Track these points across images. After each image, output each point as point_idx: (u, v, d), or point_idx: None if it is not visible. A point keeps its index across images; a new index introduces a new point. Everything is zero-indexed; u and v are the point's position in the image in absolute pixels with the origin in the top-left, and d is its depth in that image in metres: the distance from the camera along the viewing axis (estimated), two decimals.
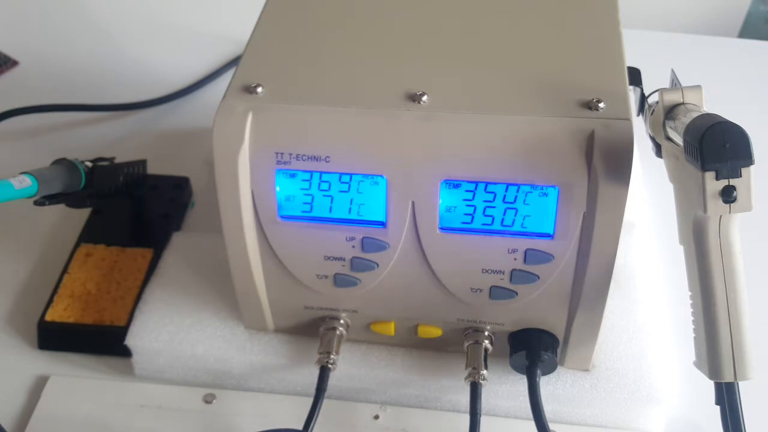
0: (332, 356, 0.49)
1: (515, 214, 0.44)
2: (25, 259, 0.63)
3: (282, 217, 0.46)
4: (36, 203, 0.50)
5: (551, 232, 0.44)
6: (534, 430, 0.46)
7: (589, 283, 0.45)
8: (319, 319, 0.52)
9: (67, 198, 0.54)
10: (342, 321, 0.51)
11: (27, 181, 0.48)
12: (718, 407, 0.42)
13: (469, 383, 0.48)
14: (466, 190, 0.44)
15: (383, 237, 0.45)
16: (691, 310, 0.42)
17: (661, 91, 0.43)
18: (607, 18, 0.49)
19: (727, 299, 0.40)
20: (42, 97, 0.75)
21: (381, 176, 0.44)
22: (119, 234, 0.62)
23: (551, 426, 0.46)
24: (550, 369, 0.49)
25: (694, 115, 0.39)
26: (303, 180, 0.45)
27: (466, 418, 0.47)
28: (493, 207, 0.44)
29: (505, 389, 0.51)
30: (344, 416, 0.52)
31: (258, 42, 0.49)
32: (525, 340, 0.49)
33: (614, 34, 0.48)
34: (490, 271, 0.46)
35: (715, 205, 0.37)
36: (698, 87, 0.42)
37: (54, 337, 0.57)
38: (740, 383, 0.41)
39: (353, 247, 0.46)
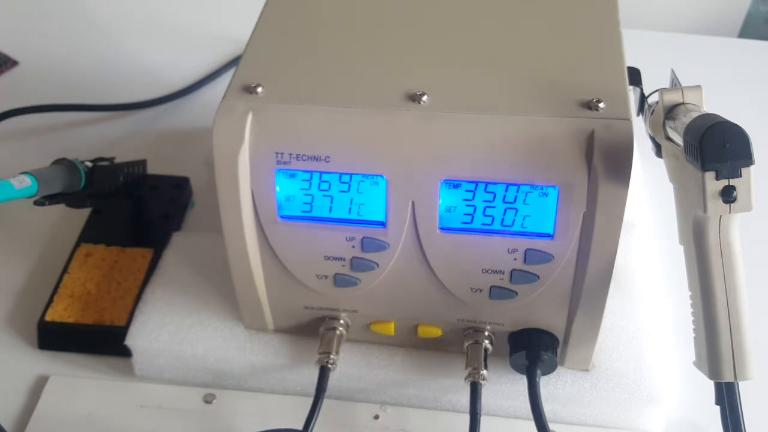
0: (332, 356, 0.49)
1: (515, 214, 0.44)
2: (25, 259, 0.63)
3: (282, 217, 0.46)
4: (36, 203, 0.50)
5: (551, 232, 0.44)
6: (534, 430, 0.46)
7: (589, 283, 0.45)
8: (319, 319, 0.52)
9: (67, 198, 0.54)
10: (342, 321, 0.51)
11: (27, 181, 0.48)
12: (718, 407, 0.42)
13: (469, 383, 0.48)
14: (466, 190, 0.44)
15: (383, 237, 0.45)
16: (691, 310, 0.42)
17: (661, 91, 0.43)
18: (607, 18, 0.49)
19: (727, 299, 0.40)
20: (42, 97, 0.75)
21: (381, 176, 0.44)
22: (119, 234, 0.62)
23: (551, 426, 0.46)
24: (550, 369, 0.49)
25: (694, 115, 0.39)
26: (303, 180, 0.45)
27: (466, 418, 0.47)
28: (493, 207, 0.44)
29: (505, 389, 0.51)
30: (344, 416, 0.52)
31: (258, 42, 0.49)
32: (525, 340, 0.49)
33: (614, 34, 0.48)
34: (490, 271, 0.46)
35: (715, 205, 0.37)
36: (698, 87, 0.42)
37: (54, 337, 0.56)
38: (740, 383, 0.41)
39: (353, 247, 0.46)
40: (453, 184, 0.43)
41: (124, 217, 0.64)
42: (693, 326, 0.42)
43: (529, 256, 0.45)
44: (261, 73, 0.46)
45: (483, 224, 0.44)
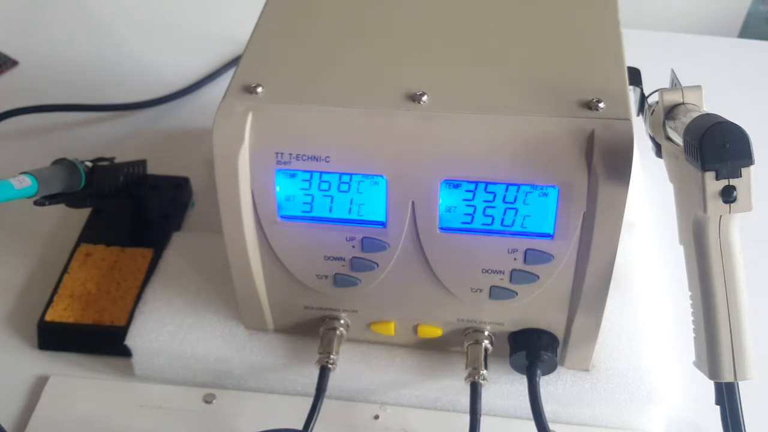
0: (332, 356, 0.49)
1: (515, 214, 0.44)
2: (25, 259, 0.63)
3: (282, 217, 0.46)
4: (36, 203, 0.50)
5: (551, 232, 0.44)
6: (534, 430, 0.46)
7: (589, 283, 0.45)
8: (319, 319, 0.52)
9: (67, 198, 0.54)
10: (342, 321, 0.51)
11: (27, 181, 0.48)
12: (718, 407, 0.42)
13: (469, 383, 0.48)
14: (466, 190, 0.44)
15: (383, 237, 0.45)
16: (691, 310, 0.42)
17: (661, 91, 0.43)
18: (607, 18, 0.49)
19: (727, 299, 0.40)
20: (42, 97, 0.75)
21: (381, 176, 0.44)
22: (119, 234, 0.62)
23: (551, 426, 0.46)
24: (550, 369, 0.49)
25: (694, 115, 0.39)
26: (303, 180, 0.45)
27: (466, 418, 0.47)
28: (493, 207, 0.44)
29: (505, 389, 0.51)
30: (344, 416, 0.52)
31: (258, 42, 0.49)
32: (525, 340, 0.49)
33: (614, 34, 0.48)
34: (490, 271, 0.46)
35: (715, 205, 0.37)
36: (698, 87, 0.42)
37: (54, 337, 0.56)
38: (740, 383, 0.41)
39: (353, 247, 0.46)
40: (453, 184, 0.43)
41: (124, 217, 0.64)
42: (693, 326, 0.42)
43: (529, 256, 0.45)
44: (261, 73, 0.46)
45: (483, 224, 0.44)
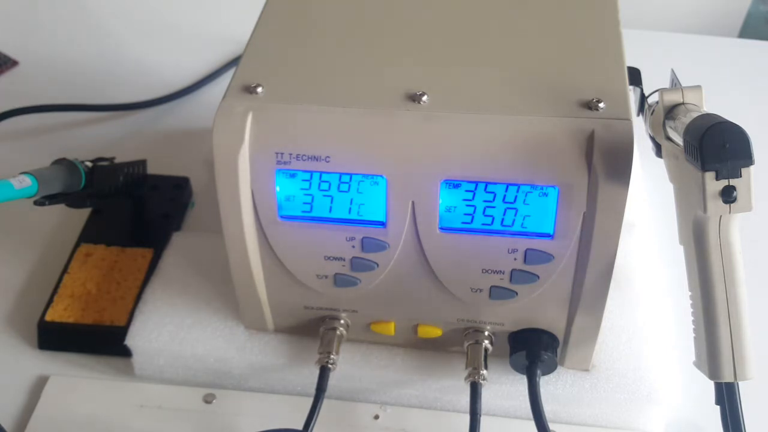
0: (332, 356, 0.49)
1: (515, 214, 0.44)
2: (25, 259, 0.63)
3: (282, 217, 0.46)
4: (36, 203, 0.50)
5: (551, 232, 0.44)
6: (534, 430, 0.46)
7: (589, 283, 0.45)
8: (319, 319, 0.52)
9: (67, 198, 0.54)
10: (342, 321, 0.51)
11: (27, 181, 0.48)
12: (718, 407, 0.42)
13: (469, 383, 0.48)
14: (466, 190, 0.44)
15: (383, 237, 0.45)
16: (691, 310, 0.42)
17: (661, 91, 0.43)
18: (607, 18, 0.49)
19: (727, 299, 0.40)
20: (42, 97, 0.75)
21: (381, 176, 0.44)
22: (119, 234, 0.62)
23: (551, 426, 0.46)
24: (550, 369, 0.49)
25: (694, 115, 0.39)
26: (303, 180, 0.45)
27: (466, 418, 0.47)
28: (493, 207, 0.44)
29: (505, 389, 0.51)
30: (344, 416, 0.52)
31: (258, 42, 0.49)
32: (525, 340, 0.49)
33: (614, 34, 0.48)
34: (490, 271, 0.46)
35: (715, 205, 0.37)
36: (698, 87, 0.42)
37: (54, 337, 0.56)
38: (740, 383, 0.41)
39: (353, 247, 0.46)
40: (453, 184, 0.43)
41: (124, 217, 0.64)
42: (693, 326, 0.42)
43: (529, 256, 0.45)
44: (261, 73, 0.46)
45: (483, 224, 0.44)
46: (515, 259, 0.45)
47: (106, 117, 0.77)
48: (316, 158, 0.44)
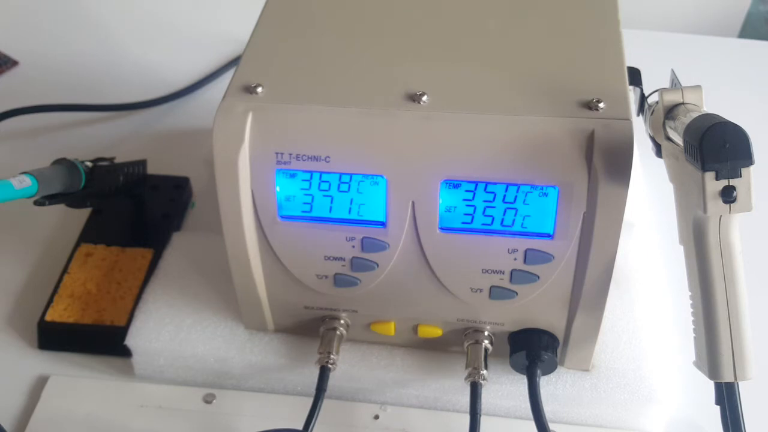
0: (332, 356, 0.49)
1: (515, 214, 0.44)
2: (25, 259, 0.63)
3: (282, 217, 0.46)
4: (36, 203, 0.50)
5: (551, 232, 0.44)
6: (534, 430, 0.46)
7: (589, 283, 0.45)
8: (319, 319, 0.52)
9: (67, 198, 0.54)
10: (342, 321, 0.51)
11: (27, 181, 0.48)
12: (718, 407, 0.42)
13: (469, 383, 0.48)
14: (466, 190, 0.44)
15: (383, 237, 0.45)
16: (691, 310, 0.42)
17: (661, 91, 0.43)
18: (607, 18, 0.49)
19: (727, 299, 0.40)
20: (42, 97, 0.75)
21: (381, 176, 0.44)
22: (119, 234, 0.62)
23: (551, 426, 0.46)
24: (550, 369, 0.49)
25: (694, 115, 0.39)
26: (303, 180, 0.45)
27: (466, 418, 0.47)
28: (493, 207, 0.44)
29: (505, 389, 0.51)
30: (344, 416, 0.52)
31: (258, 42, 0.49)
32: (525, 340, 0.49)
33: (614, 34, 0.48)
34: (490, 271, 0.46)
35: (715, 205, 0.37)
36: (698, 87, 0.42)
37: (54, 337, 0.56)
38: (740, 383, 0.41)
39: (353, 247, 0.46)
40: (453, 184, 0.43)
41: (124, 217, 0.64)
42: (693, 326, 0.42)
43: (529, 256, 0.45)
44: (261, 73, 0.46)
45: (483, 224, 0.44)
46: (515, 259, 0.45)
47: (106, 117, 0.77)
48: (316, 158, 0.44)
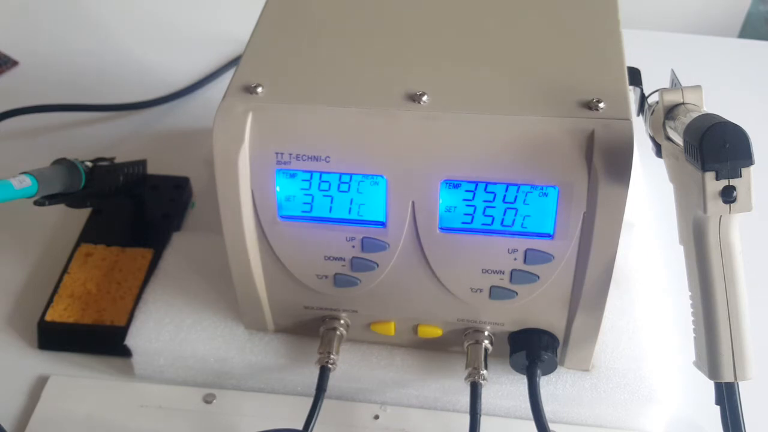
0: (332, 356, 0.49)
1: (515, 214, 0.44)
2: (25, 259, 0.63)
3: (282, 217, 0.46)
4: (36, 203, 0.50)
5: (551, 232, 0.44)
6: (534, 430, 0.46)
7: (589, 283, 0.45)
8: (319, 319, 0.52)
9: (67, 198, 0.54)
10: (342, 321, 0.51)
11: (27, 181, 0.48)
12: (718, 407, 0.42)
13: (469, 383, 0.48)
14: (466, 190, 0.44)
15: (383, 237, 0.45)
16: (691, 310, 0.42)
17: (661, 91, 0.43)
18: (607, 18, 0.49)
19: (727, 299, 0.40)
20: (42, 97, 0.75)
21: (381, 176, 0.44)
22: (119, 234, 0.62)
23: (551, 426, 0.46)
24: (550, 369, 0.49)
25: (694, 115, 0.39)
26: (303, 180, 0.45)
27: (466, 418, 0.47)
28: (493, 207, 0.44)
29: (505, 389, 0.51)
30: (344, 416, 0.52)
31: (258, 42, 0.49)
32: (525, 340, 0.49)
33: (614, 34, 0.48)
34: (490, 271, 0.46)
35: (715, 205, 0.37)
36: (698, 87, 0.42)
37: (54, 337, 0.56)
38: (740, 383, 0.41)
39: (353, 247, 0.46)
40: (453, 184, 0.43)
41: (124, 217, 0.64)
42: (693, 326, 0.42)
43: (529, 256, 0.45)
44: (261, 73, 0.46)
45: (483, 224, 0.44)
46: (515, 259, 0.45)
47: (106, 117, 0.77)
48: (316, 158, 0.44)
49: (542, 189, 0.43)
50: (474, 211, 0.44)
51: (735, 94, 0.75)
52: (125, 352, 0.54)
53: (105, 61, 0.85)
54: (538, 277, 0.45)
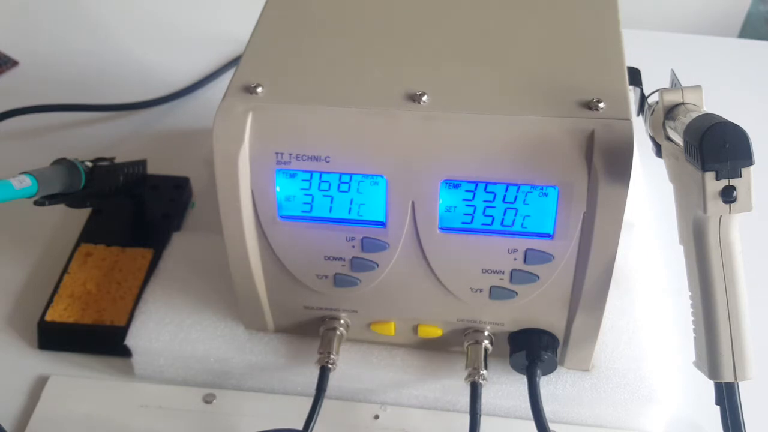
0: (332, 356, 0.49)
1: (515, 214, 0.44)
2: (25, 259, 0.63)
3: (282, 217, 0.46)
4: (36, 203, 0.50)
5: (551, 232, 0.44)
6: (534, 430, 0.46)
7: (589, 283, 0.45)
8: (319, 319, 0.52)
9: (67, 198, 0.54)
10: (342, 321, 0.51)
11: (27, 181, 0.48)
12: (718, 407, 0.42)
13: (469, 383, 0.48)
14: (466, 190, 0.44)
15: (383, 237, 0.45)
16: (691, 310, 0.42)
17: (661, 91, 0.43)
18: (607, 18, 0.49)
19: (727, 299, 0.40)
20: (42, 97, 0.75)
21: (381, 176, 0.44)
22: (119, 234, 0.62)
23: (551, 426, 0.46)
24: (550, 369, 0.49)
25: (694, 115, 0.39)
26: (303, 180, 0.45)
27: (466, 418, 0.47)
28: (493, 207, 0.44)
29: (505, 389, 0.51)
30: (344, 416, 0.52)
31: (258, 42, 0.49)
32: (525, 340, 0.49)
33: (614, 34, 0.48)
34: (490, 271, 0.46)
35: (715, 205, 0.37)
36: (698, 87, 0.42)
37: (54, 337, 0.56)
38: (740, 383, 0.41)
39: (353, 247, 0.46)
40: (453, 184, 0.43)
41: (124, 217, 0.64)
42: (693, 326, 0.42)
43: (529, 256, 0.45)
44: (261, 73, 0.46)
45: (483, 224, 0.44)
46: (515, 259, 0.45)
47: (106, 117, 0.77)
48: (316, 158, 0.44)
49: (542, 189, 0.43)
50: (474, 211, 0.44)
51: (735, 94, 0.74)
52: (125, 352, 0.54)
53: (105, 61, 0.85)
54: (538, 277, 0.45)
